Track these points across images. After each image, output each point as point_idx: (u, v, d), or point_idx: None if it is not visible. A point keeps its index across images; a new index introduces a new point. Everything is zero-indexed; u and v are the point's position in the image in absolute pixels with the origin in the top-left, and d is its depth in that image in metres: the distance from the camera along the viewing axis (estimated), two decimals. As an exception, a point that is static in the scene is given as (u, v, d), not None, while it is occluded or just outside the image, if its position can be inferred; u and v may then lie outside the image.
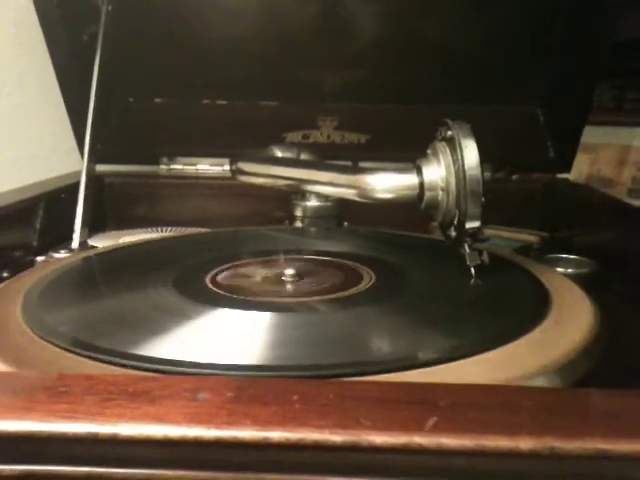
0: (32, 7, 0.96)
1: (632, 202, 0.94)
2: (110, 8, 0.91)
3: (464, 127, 0.61)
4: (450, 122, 0.62)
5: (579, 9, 0.97)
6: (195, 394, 0.34)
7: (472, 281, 0.62)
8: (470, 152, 0.60)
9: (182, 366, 0.43)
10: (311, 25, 1.02)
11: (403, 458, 0.31)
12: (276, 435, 0.31)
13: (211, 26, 1.03)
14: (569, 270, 0.72)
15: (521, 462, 0.31)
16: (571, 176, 1.08)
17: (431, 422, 0.31)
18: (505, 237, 0.91)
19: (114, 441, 0.31)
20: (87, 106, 0.89)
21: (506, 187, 1.05)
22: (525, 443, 0.30)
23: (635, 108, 1.31)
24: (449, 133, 0.62)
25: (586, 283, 0.65)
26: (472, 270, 0.62)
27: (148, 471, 0.32)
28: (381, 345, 0.52)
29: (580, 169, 1.26)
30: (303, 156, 0.90)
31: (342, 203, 0.89)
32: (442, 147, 0.63)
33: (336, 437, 0.31)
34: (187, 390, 0.34)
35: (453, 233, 0.63)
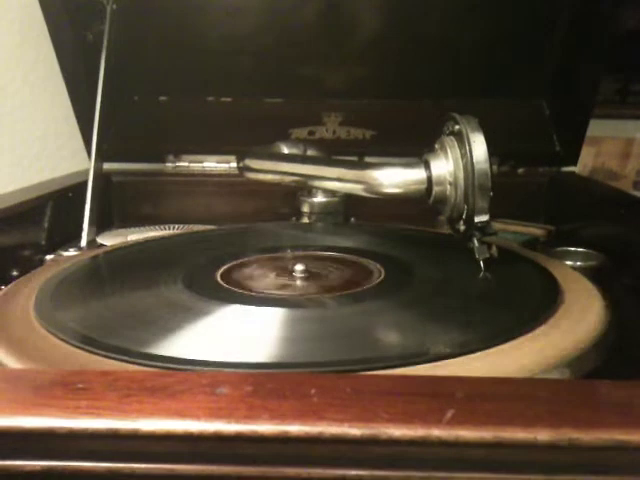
0: (37, 6, 0.96)
1: (638, 195, 0.95)
2: (115, 7, 0.91)
3: (472, 121, 0.61)
4: (458, 116, 0.62)
5: (583, 2, 0.97)
6: (214, 389, 0.34)
7: (481, 275, 0.62)
8: (478, 146, 0.60)
9: (200, 365, 0.43)
10: (315, 21, 1.02)
11: (421, 450, 0.31)
12: (295, 429, 0.31)
13: (215, 24, 1.02)
14: (578, 263, 0.72)
15: (539, 453, 0.31)
16: (576, 169, 1.08)
17: (449, 414, 0.31)
18: (511, 230, 0.91)
19: (135, 437, 0.32)
20: (93, 105, 0.89)
21: (512, 180, 1.05)
22: (543, 434, 0.30)
23: (639, 101, 1.31)
24: (457, 127, 0.62)
25: (594, 276, 0.65)
26: (481, 264, 0.62)
27: (169, 466, 0.32)
28: (394, 340, 0.52)
29: (584, 162, 1.27)
30: (309, 152, 0.90)
31: (349, 199, 0.89)
32: (450, 141, 0.63)
33: (355, 430, 0.31)
34: (206, 385, 0.34)
35: (462, 227, 0.63)
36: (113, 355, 0.45)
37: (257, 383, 0.35)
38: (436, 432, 0.31)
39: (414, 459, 0.32)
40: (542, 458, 0.31)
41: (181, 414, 0.32)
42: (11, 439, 0.32)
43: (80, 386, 0.35)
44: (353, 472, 0.32)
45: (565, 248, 0.77)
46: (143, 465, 0.32)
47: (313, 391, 0.34)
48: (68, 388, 0.35)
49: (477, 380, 0.36)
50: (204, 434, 0.31)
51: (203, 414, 0.32)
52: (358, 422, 0.31)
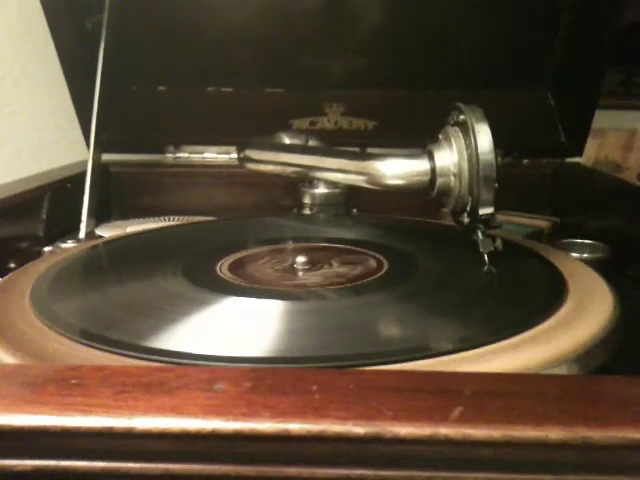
0: (36, -5, 0.95)
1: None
2: (114, -4, 0.90)
3: (477, 111, 0.60)
4: (462, 106, 0.61)
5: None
6: (211, 385, 0.33)
7: (486, 268, 0.61)
8: (483, 137, 0.59)
9: (199, 359, 0.42)
10: (317, 11, 1.01)
11: (428, 449, 0.30)
12: (296, 427, 0.30)
13: (215, 13, 1.01)
14: (584, 255, 0.71)
15: (551, 452, 0.30)
16: (581, 160, 1.07)
17: (457, 412, 0.30)
18: (516, 223, 0.90)
19: (130, 435, 0.31)
20: (92, 95, 0.88)
21: (516, 172, 1.04)
22: (555, 433, 0.29)
23: (642, 92, 1.30)
24: (461, 117, 0.61)
25: (600, 268, 0.64)
26: (485, 257, 0.61)
27: (165, 465, 0.31)
28: (397, 334, 0.51)
29: (588, 154, 1.25)
30: (311, 143, 0.89)
31: (351, 190, 0.88)
32: (454, 132, 0.62)
33: (359, 429, 0.30)
34: (203, 381, 0.33)
35: (465, 219, 0.62)
36: (109, 348, 0.44)
37: (257, 379, 0.34)
38: (443, 430, 0.30)
39: (420, 458, 0.31)
40: (553, 457, 0.30)
41: (177, 411, 0.31)
42: (1, 438, 0.31)
43: (74, 382, 0.34)
44: (357, 472, 0.31)
45: (571, 240, 0.76)
46: (138, 464, 0.31)
47: (315, 387, 0.33)
48: (61, 384, 0.33)
49: (485, 376, 0.35)
50: (201, 432, 0.30)
51: (200, 411, 0.31)
52: (362, 420, 0.30)
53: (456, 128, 0.62)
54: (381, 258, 0.65)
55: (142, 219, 0.92)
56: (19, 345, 0.46)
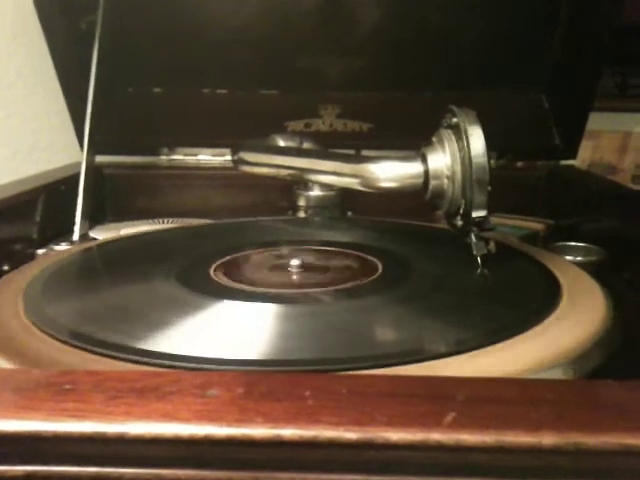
0: (30, -2, 0.95)
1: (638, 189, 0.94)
2: (109, -5, 0.90)
3: (470, 114, 0.61)
4: (456, 109, 0.61)
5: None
6: (205, 390, 0.33)
7: (479, 271, 0.61)
8: (476, 139, 0.59)
9: (191, 361, 0.42)
10: (312, 12, 1.01)
11: (420, 455, 0.30)
12: (289, 433, 0.30)
13: (211, 14, 1.01)
14: (578, 258, 0.71)
15: (544, 458, 0.30)
16: (575, 163, 1.08)
17: (449, 417, 0.30)
18: (510, 225, 0.90)
19: (122, 440, 0.30)
20: (86, 97, 0.87)
21: (510, 174, 1.04)
22: (548, 439, 0.29)
23: (638, 94, 1.30)
24: (455, 120, 0.61)
25: (595, 271, 0.64)
26: (479, 260, 0.61)
27: (157, 471, 0.31)
28: (391, 337, 0.51)
29: (582, 156, 1.25)
30: (306, 145, 0.89)
31: (345, 193, 0.88)
32: (447, 134, 0.62)
33: (351, 434, 0.30)
34: (196, 386, 0.33)
35: (459, 222, 0.62)
36: (103, 351, 0.44)
37: (250, 384, 0.33)
38: (436, 436, 0.30)
39: (412, 464, 0.30)
40: (547, 463, 0.30)
41: (170, 417, 0.31)
42: (-7, 443, 0.31)
43: (66, 387, 0.33)
44: (349, 477, 0.31)
45: (565, 243, 0.76)
46: (131, 470, 0.31)
47: (307, 393, 0.32)
48: (54, 389, 0.33)
49: (479, 381, 0.35)
50: (194, 438, 0.30)
51: (193, 417, 0.31)
52: (354, 425, 0.30)
53: (449, 131, 0.62)
54: (375, 261, 0.65)
55: (137, 221, 0.92)
56: (12, 349, 0.45)
